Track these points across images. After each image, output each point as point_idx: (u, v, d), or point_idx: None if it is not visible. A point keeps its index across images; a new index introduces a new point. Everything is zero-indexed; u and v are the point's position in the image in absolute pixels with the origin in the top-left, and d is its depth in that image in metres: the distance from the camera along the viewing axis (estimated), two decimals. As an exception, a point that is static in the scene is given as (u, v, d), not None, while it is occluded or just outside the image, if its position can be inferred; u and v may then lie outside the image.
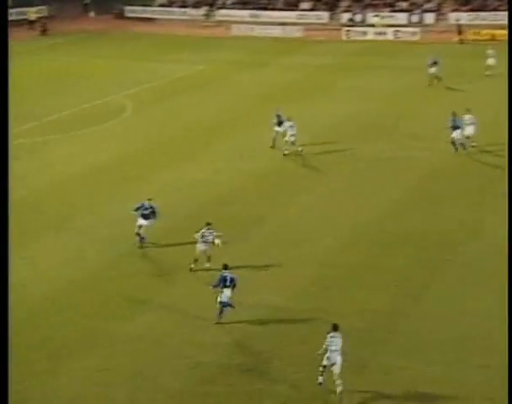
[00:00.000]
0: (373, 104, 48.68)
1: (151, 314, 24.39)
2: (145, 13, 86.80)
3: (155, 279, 26.92)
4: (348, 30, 75.27)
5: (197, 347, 22.33)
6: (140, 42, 74.96)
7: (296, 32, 76.66)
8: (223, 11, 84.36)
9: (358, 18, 78.81)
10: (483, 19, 73.34)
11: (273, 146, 39.73)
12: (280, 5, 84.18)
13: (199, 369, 21.24)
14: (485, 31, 69.51)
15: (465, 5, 77.56)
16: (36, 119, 46.85)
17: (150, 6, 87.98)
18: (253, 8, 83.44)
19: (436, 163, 37.49)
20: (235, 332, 23.19)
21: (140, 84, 56.37)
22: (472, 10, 76.25)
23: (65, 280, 26.55)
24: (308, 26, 77.91)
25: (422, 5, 79.05)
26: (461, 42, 68.93)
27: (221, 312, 23.45)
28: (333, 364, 19.94)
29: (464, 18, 74.63)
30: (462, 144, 38.21)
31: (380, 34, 74.12)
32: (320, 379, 20.21)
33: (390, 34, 73.74)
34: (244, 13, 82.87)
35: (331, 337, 20.04)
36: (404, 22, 76.74)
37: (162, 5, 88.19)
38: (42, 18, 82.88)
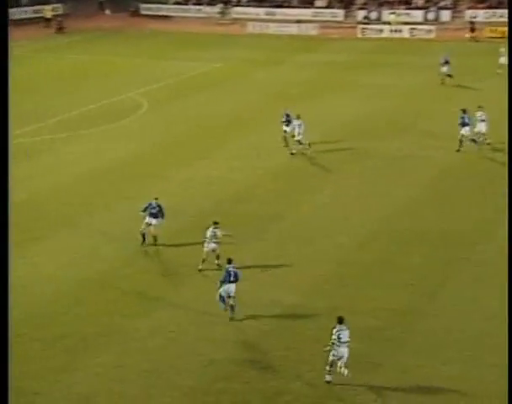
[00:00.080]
0: (388, 102, 48.60)
1: (164, 311, 24.37)
2: (160, 11, 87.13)
3: (168, 276, 26.90)
4: (363, 28, 75.10)
5: (211, 344, 22.29)
6: (155, 40, 75.10)
7: (311, 30, 76.52)
8: (238, 8, 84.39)
9: (373, 15, 78.63)
10: (501, 16, 72.77)
11: (286, 145, 39.61)
12: (295, 3, 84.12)
13: (213, 367, 21.20)
14: (502, 28, 69.11)
15: (481, 2, 77.20)
16: (54, 117, 46.97)
17: (165, 3, 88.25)
18: (269, 6, 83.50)
19: (452, 162, 37.35)
20: (249, 330, 23.13)
21: (155, 82, 56.46)
22: (489, 7, 75.89)
23: (80, 277, 26.57)
24: (324, 24, 77.81)
25: (438, 2, 78.77)
26: (474, 40, 68.52)
27: (232, 309, 23.38)
28: (340, 358, 19.82)
29: (481, 15, 74.33)
30: (473, 140, 38.05)
31: (395, 31, 73.91)
32: (328, 377, 20.09)
33: (405, 32, 73.50)
34: (259, 11, 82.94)
35: (338, 330, 19.89)
36: (420, 19, 76.56)
37: (177, 3, 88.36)
38: (58, 16, 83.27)
